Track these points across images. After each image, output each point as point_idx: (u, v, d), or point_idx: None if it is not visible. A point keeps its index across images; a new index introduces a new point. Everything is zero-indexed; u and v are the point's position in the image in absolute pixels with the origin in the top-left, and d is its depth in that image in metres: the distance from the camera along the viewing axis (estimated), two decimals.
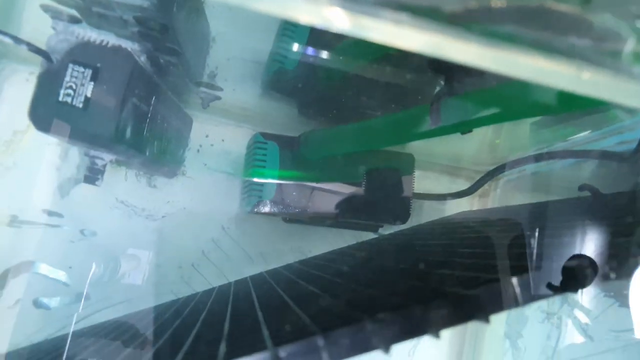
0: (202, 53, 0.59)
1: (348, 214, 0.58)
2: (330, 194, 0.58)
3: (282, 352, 0.18)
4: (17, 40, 0.35)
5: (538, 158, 0.50)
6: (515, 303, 0.18)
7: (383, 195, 0.58)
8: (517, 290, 0.18)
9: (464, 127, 0.34)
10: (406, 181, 0.58)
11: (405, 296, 0.21)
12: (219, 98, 0.58)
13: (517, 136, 0.61)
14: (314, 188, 0.57)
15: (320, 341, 0.18)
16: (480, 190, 0.64)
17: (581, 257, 0.21)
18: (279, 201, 0.57)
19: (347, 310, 0.21)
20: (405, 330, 0.18)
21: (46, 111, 0.39)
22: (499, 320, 0.63)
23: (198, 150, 0.64)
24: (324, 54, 0.53)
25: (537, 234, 0.31)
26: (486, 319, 0.18)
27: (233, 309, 0.34)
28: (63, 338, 0.50)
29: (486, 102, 0.31)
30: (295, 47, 0.53)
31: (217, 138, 0.65)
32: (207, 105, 0.57)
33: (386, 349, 0.18)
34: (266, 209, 0.57)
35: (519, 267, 0.21)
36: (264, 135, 0.57)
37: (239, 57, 0.63)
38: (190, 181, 0.64)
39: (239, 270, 0.62)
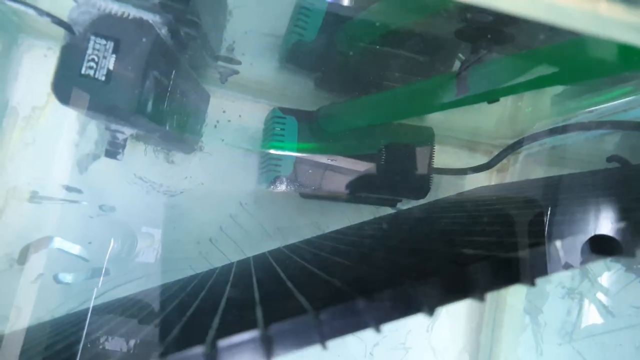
0: (219, 26, 0.58)
1: (366, 189, 0.58)
2: (348, 170, 0.58)
3: (323, 315, 0.18)
4: (39, 11, 0.35)
5: (560, 130, 0.49)
6: (544, 272, 0.18)
7: (402, 170, 0.58)
8: (542, 259, 0.18)
9: (492, 96, 0.33)
10: (425, 155, 0.57)
11: (409, 273, 0.21)
12: (237, 72, 0.57)
13: (539, 108, 0.59)
14: (331, 165, 0.57)
15: (360, 304, 0.18)
16: (498, 165, 0.63)
17: (608, 228, 0.20)
18: (296, 178, 0.57)
19: (383, 276, 0.21)
20: (448, 293, 0.18)
21: (69, 84, 0.39)
22: (518, 296, 0.63)
23: (215, 126, 0.64)
24: (339, 31, 0.52)
25: (563, 206, 0.30)
26: (532, 283, 0.18)
27: (259, 280, 0.34)
28: (83, 313, 0.51)
29: (516, 69, 0.30)
30: (312, 24, 0.52)
31: (234, 113, 0.64)
32: (225, 80, 0.57)
33: (430, 312, 0.17)
34: (283, 185, 0.57)
35: (541, 240, 0.21)
36: (282, 110, 0.57)
37: (256, 30, 0.63)
38: (207, 157, 0.64)
39: (257, 245, 0.63)
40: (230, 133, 0.65)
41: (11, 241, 0.58)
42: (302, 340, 0.17)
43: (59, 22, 0.37)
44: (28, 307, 0.57)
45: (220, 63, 0.57)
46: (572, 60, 0.25)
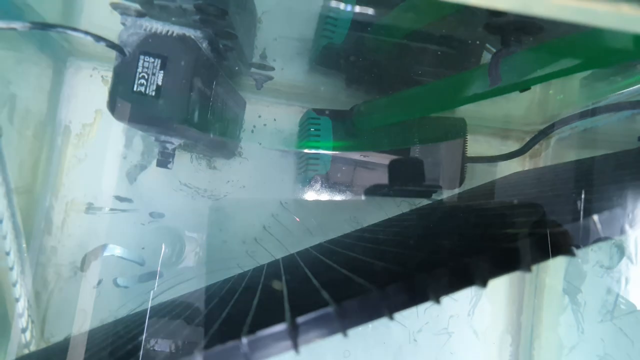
0: (251, 35, 0.61)
1: (401, 182, 0.60)
2: (378, 165, 0.60)
3: (389, 290, 0.20)
4: (96, 38, 0.38)
5: (591, 113, 0.50)
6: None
7: (436, 161, 0.59)
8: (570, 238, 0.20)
9: (524, 85, 0.35)
10: (459, 146, 0.59)
11: (459, 254, 0.23)
12: (271, 78, 0.60)
13: (568, 92, 0.60)
14: (361, 160, 0.59)
15: (420, 279, 0.20)
16: (530, 150, 0.64)
17: None
18: (334, 176, 0.59)
19: (433, 258, 0.23)
20: (455, 282, 0.20)
21: (123, 101, 0.42)
22: (557, 277, 0.64)
23: (252, 131, 0.67)
24: (368, 31, 0.54)
25: (597, 184, 0.32)
26: (568, 253, 0.20)
27: (312, 272, 0.37)
28: (142, 314, 0.55)
29: (546, 57, 0.31)
30: (341, 26, 0.54)
31: (269, 117, 0.67)
32: (260, 86, 0.60)
33: (437, 299, 0.20)
34: (321, 183, 0.59)
35: (577, 215, 0.22)
36: (316, 111, 0.59)
37: (285, 35, 0.65)
38: (246, 161, 0.67)
39: (299, 242, 0.65)
40: (266, 136, 0.67)
41: (74, 250, 0.62)
42: (371, 314, 0.19)
43: (112, 45, 0.40)
44: (91, 310, 0.61)
45: (254, 70, 0.60)
46: (601, 46, 0.27)
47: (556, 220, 0.22)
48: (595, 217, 0.20)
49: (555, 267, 0.65)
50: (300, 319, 0.19)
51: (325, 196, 0.68)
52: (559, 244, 0.20)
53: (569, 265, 0.65)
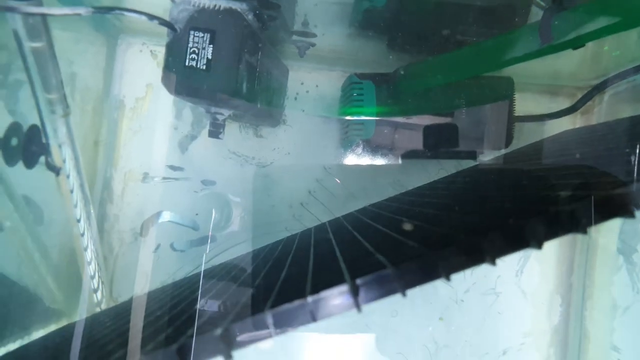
0: (292, 2, 0.61)
1: (448, 143, 0.60)
2: (423, 127, 0.59)
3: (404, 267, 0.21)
4: (150, 16, 0.40)
5: None
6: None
7: (480, 121, 0.59)
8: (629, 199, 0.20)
9: (577, 42, 0.34)
10: (506, 105, 0.58)
11: (513, 216, 0.24)
12: (314, 45, 0.60)
13: (625, 46, 0.57)
14: (409, 123, 0.59)
15: (479, 240, 0.21)
16: (582, 107, 0.62)
17: None
18: (377, 139, 0.59)
19: (454, 232, 0.23)
20: (510, 243, 0.20)
21: (177, 76, 0.44)
22: (610, 236, 0.63)
23: (295, 98, 0.68)
24: None
25: None
26: (628, 214, 0.20)
27: (362, 234, 0.38)
28: (196, 276, 0.58)
29: (600, 12, 0.30)
30: None
31: (312, 84, 0.68)
32: (303, 53, 0.60)
33: (492, 261, 0.20)
34: (365, 147, 0.60)
35: (631, 176, 0.22)
36: (358, 75, 0.59)
37: (325, 0, 0.65)
38: (290, 128, 0.68)
39: (343, 206, 0.67)
40: (309, 103, 0.68)
41: (133, 217, 0.66)
42: (428, 275, 0.21)
43: (164, 22, 0.42)
44: (150, 272, 0.66)
45: (296, 38, 0.60)
46: None
47: (613, 181, 0.22)
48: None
49: (609, 227, 0.63)
50: (359, 280, 0.21)
51: (368, 160, 0.68)
52: (617, 204, 0.20)
53: (624, 225, 0.63)
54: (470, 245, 0.20)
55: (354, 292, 0.20)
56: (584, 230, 0.20)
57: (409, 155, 0.64)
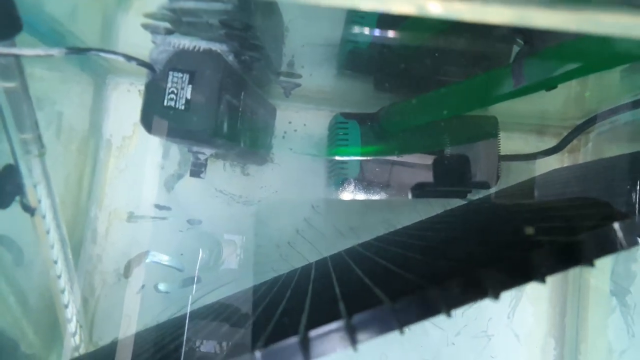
0: (279, 44, 0.62)
1: (435, 183, 0.59)
2: (412, 164, 0.59)
3: (399, 304, 0.20)
4: (128, 57, 0.40)
5: (630, 106, 0.48)
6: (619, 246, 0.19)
7: (468, 161, 0.58)
8: (620, 234, 0.19)
9: (548, 84, 0.34)
10: (491, 144, 0.57)
11: (513, 249, 0.23)
12: (299, 85, 0.61)
13: (607, 86, 0.58)
14: (396, 162, 0.59)
15: (432, 292, 0.20)
16: (569, 147, 0.62)
17: None
18: (364, 178, 0.59)
19: (455, 265, 0.23)
20: (513, 277, 0.19)
21: (155, 116, 0.44)
22: (602, 277, 0.62)
23: (283, 137, 0.68)
24: (394, 33, 0.53)
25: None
26: (591, 264, 0.19)
27: (338, 278, 0.37)
28: (182, 318, 0.57)
29: (569, 56, 0.30)
30: (367, 30, 0.54)
31: (300, 123, 0.68)
32: (289, 94, 0.61)
33: (495, 296, 0.19)
34: (352, 187, 0.59)
35: (619, 213, 0.21)
36: (344, 115, 0.59)
37: (312, 42, 0.66)
38: (278, 166, 0.68)
39: (332, 245, 0.66)
40: (297, 142, 0.68)
41: (117, 258, 0.65)
42: (427, 311, 0.19)
43: (142, 63, 0.42)
44: (135, 314, 0.64)
45: (282, 78, 0.61)
46: (622, 42, 0.26)
47: (615, 213, 0.21)
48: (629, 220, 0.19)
49: (600, 267, 0.62)
50: (356, 317, 0.20)
51: (356, 199, 0.68)
52: (578, 252, 0.19)
53: (616, 265, 0.62)
54: (471, 279, 0.19)
55: (350, 329, 0.19)
56: (590, 263, 0.19)
57: (402, 193, 0.64)
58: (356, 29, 0.54)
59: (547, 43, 0.33)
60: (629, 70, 0.52)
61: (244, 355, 0.20)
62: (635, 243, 0.19)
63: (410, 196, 0.64)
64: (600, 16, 0.18)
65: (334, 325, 0.19)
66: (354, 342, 0.19)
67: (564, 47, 0.31)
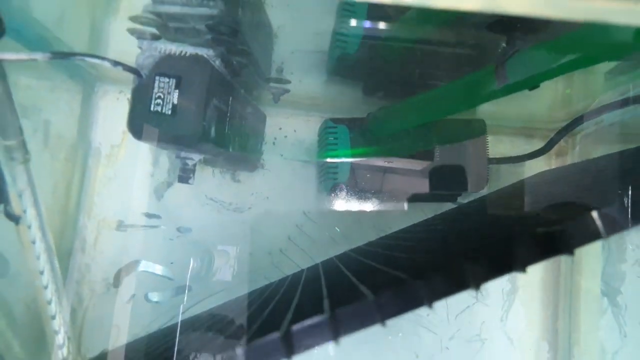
0: (268, 50, 0.62)
1: (425, 187, 0.60)
2: (403, 170, 0.59)
3: (381, 297, 0.20)
4: (113, 62, 0.40)
5: (612, 106, 0.48)
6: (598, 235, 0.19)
7: (457, 165, 0.59)
8: (599, 223, 0.19)
9: (531, 83, 0.34)
10: (479, 147, 0.58)
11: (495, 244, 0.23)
12: (288, 91, 0.61)
13: (591, 87, 0.58)
14: (386, 167, 0.59)
15: (415, 285, 0.20)
16: (557, 149, 0.62)
17: None
18: (355, 183, 0.59)
19: (438, 259, 0.22)
20: (494, 268, 0.19)
21: (141, 121, 0.44)
22: (593, 279, 0.62)
23: (274, 143, 0.68)
24: (383, 30, 0.54)
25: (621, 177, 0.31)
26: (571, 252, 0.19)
27: (327, 280, 0.37)
28: (173, 327, 0.56)
29: (550, 54, 0.31)
30: (354, 22, 0.54)
31: (290, 129, 0.68)
32: (278, 99, 0.61)
33: (477, 286, 0.19)
34: (343, 192, 0.59)
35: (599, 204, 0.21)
36: (333, 120, 0.60)
37: (301, 49, 0.66)
38: (269, 173, 0.68)
39: (324, 251, 0.65)
40: (287, 148, 0.68)
41: (106, 267, 0.64)
42: (410, 303, 0.19)
43: (129, 68, 0.42)
44: (125, 325, 0.63)
45: (272, 84, 0.61)
46: (602, 40, 0.26)
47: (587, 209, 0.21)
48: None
49: (590, 268, 0.62)
50: (339, 311, 0.19)
51: (348, 205, 0.68)
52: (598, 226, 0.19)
53: (606, 266, 0.62)
54: (453, 270, 0.19)
55: (333, 322, 0.19)
56: (570, 252, 0.19)
57: (394, 198, 0.64)
58: (344, 32, 0.54)
59: (528, 43, 0.34)
60: (613, 72, 0.53)
61: (226, 351, 0.20)
62: (613, 231, 0.19)
63: (403, 202, 0.64)
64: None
65: (316, 319, 0.19)
66: (336, 335, 0.19)
67: (544, 47, 0.31)
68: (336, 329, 0.19)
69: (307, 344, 0.19)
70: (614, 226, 0.19)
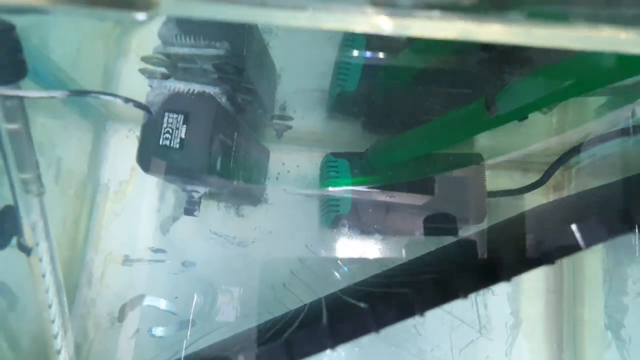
0: (271, 89, 0.65)
1: (424, 222, 0.61)
2: (403, 205, 0.61)
3: (374, 308, 0.21)
4: (125, 100, 0.42)
5: (601, 139, 0.50)
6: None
7: (456, 199, 0.60)
8: (578, 235, 0.20)
9: (520, 113, 0.36)
10: (478, 181, 0.59)
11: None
12: (290, 127, 0.63)
13: (583, 121, 0.60)
14: (388, 202, 0.60)
15: (410, 295, 0.21)
16: (554, 183, 0.63)
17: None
18: (355, 217, 0.60)
19: (428, 278, 0.24)
20: (482, 280, 0.20)
21: (150, 154, 0.46)
22: (596, 311, 0.62)
23: (277, 178, 0.70)
24: (378, 78, 0.57)
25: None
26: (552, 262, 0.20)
27: (328, 311, 0.38)
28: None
29: (535, 86, 0.33)
30: (353, 75, 0.57)
31: (292, 164, 0.70)
32: (281, 135, 0.63)
33: (465, 295, 0.20)
34: (344, 225, 0.61)
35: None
36: (334, 154, 0.62)
37: (303, 88, 0.69)
38: (272, 207, 0.69)
39: (327, 285, 0.66)
40: (290, 182, 0.70)
41: (111, 301, 0.65)
42: (402, 313, 0.20)
43: (139, 105, 0.45)
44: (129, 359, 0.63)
45: (275, 121, 0.64)
46: (588, 69, 0.28)
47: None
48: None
49: (592, 301, 0.62)
50: (336, 323, 0.20)
51: (349, 239, 0.69)
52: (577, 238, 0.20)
53: (608, 298, 0.62)
54: (444, 282, 0.20)
55: (331, 330, 0.20)
56: (551, 262, 0.20)
57: (395, 232, 0.65)
58: (342, 74, 0.57)
59: (516, 77, 0.36)
60: (603, 107, 0.55)
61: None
62: (592, 243, 0.20)
63: (405, 236, 0.65)
64: (533, 29, 0.20)
65: (315, 327, 0.20)
66: (333, 344, 0.20)
67: (530, 78, 0.33)
68: (333, 337, 0.20)
69: (306, 351, 0.20)
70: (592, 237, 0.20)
